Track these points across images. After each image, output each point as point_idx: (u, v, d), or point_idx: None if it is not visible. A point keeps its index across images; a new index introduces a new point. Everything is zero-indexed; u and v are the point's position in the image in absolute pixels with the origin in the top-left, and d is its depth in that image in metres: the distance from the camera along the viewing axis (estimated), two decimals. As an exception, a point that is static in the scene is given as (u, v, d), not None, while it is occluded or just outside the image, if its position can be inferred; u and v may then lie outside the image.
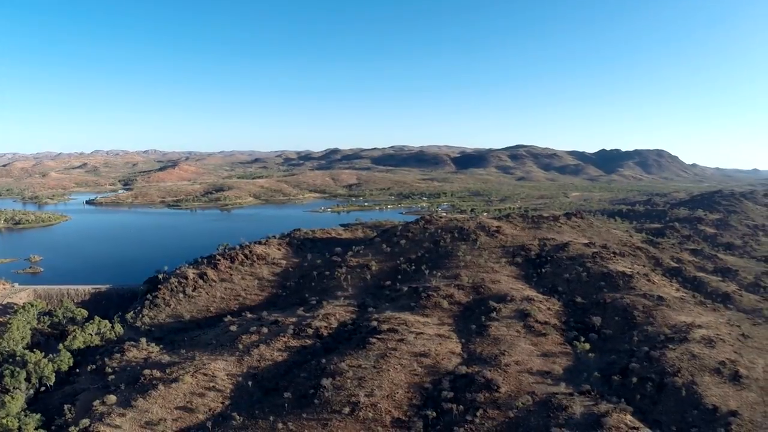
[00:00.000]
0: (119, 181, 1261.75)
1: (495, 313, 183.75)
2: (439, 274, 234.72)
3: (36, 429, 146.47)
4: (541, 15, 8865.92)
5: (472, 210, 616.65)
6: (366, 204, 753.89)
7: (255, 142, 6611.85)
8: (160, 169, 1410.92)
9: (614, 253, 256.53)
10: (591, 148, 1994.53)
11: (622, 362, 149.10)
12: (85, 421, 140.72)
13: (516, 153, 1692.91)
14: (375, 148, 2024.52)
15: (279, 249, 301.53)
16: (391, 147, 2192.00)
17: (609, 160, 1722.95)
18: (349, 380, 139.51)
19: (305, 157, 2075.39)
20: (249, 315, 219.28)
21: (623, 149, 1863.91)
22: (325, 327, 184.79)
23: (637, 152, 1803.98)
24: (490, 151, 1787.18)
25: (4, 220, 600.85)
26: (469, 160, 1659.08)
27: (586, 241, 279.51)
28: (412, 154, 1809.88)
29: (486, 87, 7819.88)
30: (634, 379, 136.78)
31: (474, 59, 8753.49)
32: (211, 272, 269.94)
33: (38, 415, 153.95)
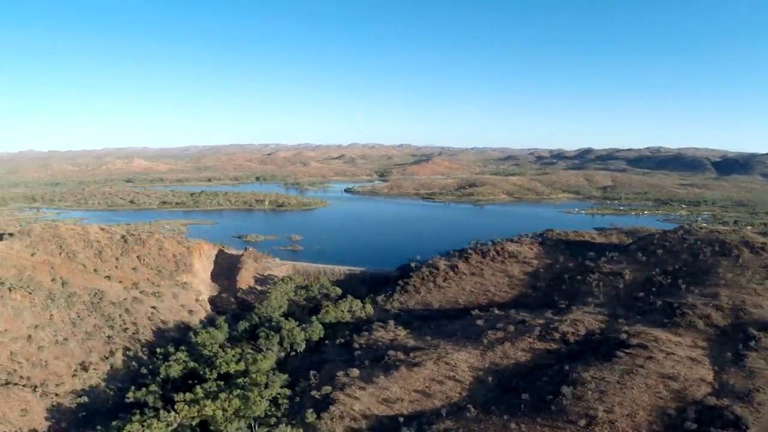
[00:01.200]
0: (375, 172, 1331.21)
1: (754, 342, 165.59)
2: (696, 290, 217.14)
3: (281, 387, 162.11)
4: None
5: (735, 222, 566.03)
6: (621, 208, 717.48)
7: (507, 139, 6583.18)
8: (414, 163, 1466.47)
9: None
10: None
11: None
12: (327, 388, 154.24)
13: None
14: (630, 149, 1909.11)
15: (531, 248, 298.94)
16: (647, 148, 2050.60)
17: None
18: (589, 392, 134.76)
19: (558, 155, 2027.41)
20: (497, 311, 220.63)
21: None
22: (572, 333, 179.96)
23: None
24: (755, 156, 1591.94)
25: (269, 202, 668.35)
26: (731, 165, 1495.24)
27: None
28: (670, 157, 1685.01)
29: (749, 85, 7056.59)
30: None
31: (736, 55, 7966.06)
32: (462, 265, 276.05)
33: (285, 376, 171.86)
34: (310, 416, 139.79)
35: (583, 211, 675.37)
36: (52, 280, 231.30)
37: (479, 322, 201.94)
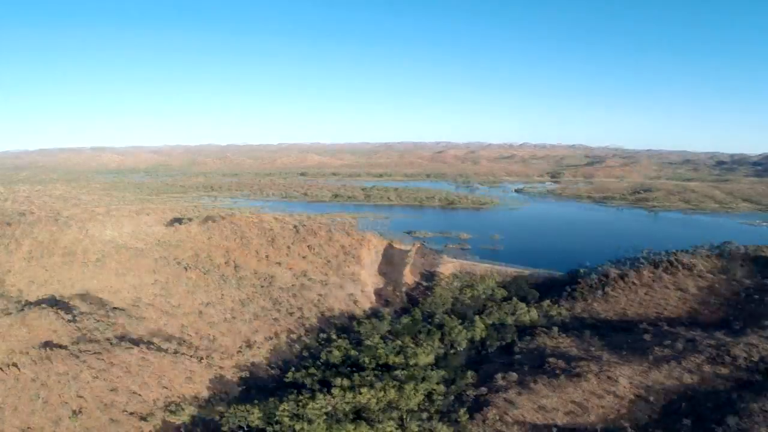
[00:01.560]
0: (547, 173, 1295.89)
1: None
2: None
3: (437, 383, 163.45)
4: None
5: None
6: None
7: (685, 141, 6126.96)
8: (587, 165, 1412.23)
9: None
10: None
11: None
12: (483, 390, 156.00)
13: None
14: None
15: (707, 262, 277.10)
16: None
17: None
18: (756, 425, 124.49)
19: (739, 161, 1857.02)
20: (666, 327, 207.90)
21: None
22: (745, 358, 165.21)
23: None
24: None
25: (439, 200, 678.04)
26: None
27: None
28: None
29: None
30: None
31: None
32: (633, 275, 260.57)
33: (442, 372, 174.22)
34: (463, 416, 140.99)
35: (765, 224, 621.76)
36: (226, 263, 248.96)
37: (646, 336, 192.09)
